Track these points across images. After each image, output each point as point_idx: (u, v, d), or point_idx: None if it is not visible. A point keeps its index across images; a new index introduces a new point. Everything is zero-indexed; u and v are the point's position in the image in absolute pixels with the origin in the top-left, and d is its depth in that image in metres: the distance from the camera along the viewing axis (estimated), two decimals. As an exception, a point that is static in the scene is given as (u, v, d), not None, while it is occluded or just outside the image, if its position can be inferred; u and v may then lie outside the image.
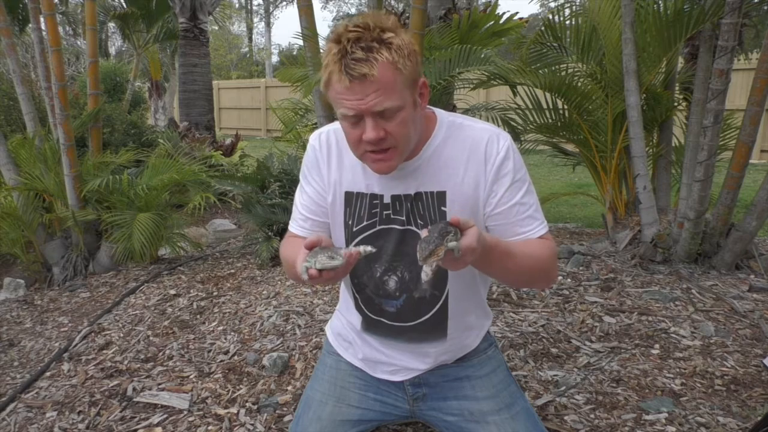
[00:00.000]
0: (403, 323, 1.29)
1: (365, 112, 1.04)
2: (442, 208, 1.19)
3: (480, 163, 1.17)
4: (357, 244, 1.24)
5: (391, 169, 1.12)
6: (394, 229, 1.22)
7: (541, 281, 1.25)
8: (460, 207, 1.18)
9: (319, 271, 0.99)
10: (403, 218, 1.21)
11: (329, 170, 1.25)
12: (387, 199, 1.21)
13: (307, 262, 1.00)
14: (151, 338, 2.59)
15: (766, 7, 3.42)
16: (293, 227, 1.32)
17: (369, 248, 1.03)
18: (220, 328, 2.60)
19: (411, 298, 1.27)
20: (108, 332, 2.72)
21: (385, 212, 1.22)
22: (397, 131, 1.07)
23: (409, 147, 1.13)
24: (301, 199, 1.31)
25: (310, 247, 1.02)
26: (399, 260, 1.24)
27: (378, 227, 1.23)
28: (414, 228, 1.21)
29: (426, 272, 0.99)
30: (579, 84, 3.40)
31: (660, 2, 3.14)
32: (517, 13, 3.69)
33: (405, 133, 1.09)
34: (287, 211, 3.50)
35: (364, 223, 1.23)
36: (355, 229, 1.24)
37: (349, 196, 1.24)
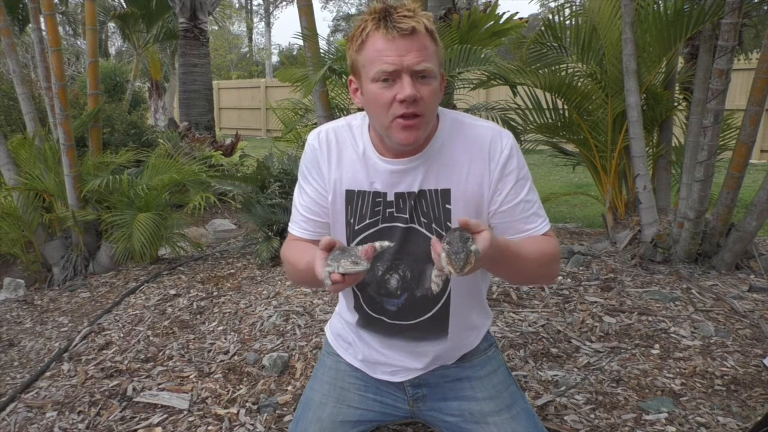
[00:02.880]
0: (403, 322, 1.29)
1: (405, 69, 1.06)
2: (447, 206, 1.19)
3: (484, 161, 1.17)
4: (359, 243, 1.24)
5: (417, 140, 1.11)
6: (397, 227, 1.22)
7: (545, 278, 1.25)
8: (464, 205, 1.18)
9: (342, 275, 0.97)
10: (407, 216, 1.21)
11: (329, 169, 1.24)
12: (390, 197, 1.21)
13: (329, 267, 0.98)
14: (151, 338, 2.59)
15: (766, 7, 3.42)
16: (294, 230, 1.31)
17: (386, 243, 1.03)
18: (220, 328, 2.60)
19: (412, 297, 1.26)
20: (108, 332, 2.72)
21: (388, 210, 1.21)
22: (428, 98, 1.08)
23: (431, 126, 1.14)
24: (300, 200, 1.29)
25: (328, 250, 1.01)
26: (401, 259, 1.24)
27: (380, 225, 1.22)
28: (417, 226, 1.21)
29: (437, 283, 1.00)
30: (579, 84, 3.40)
31: (660, 2, 3.14)
32: (517, 13, 3.68)
33: (433, 106, 1.11)
34: (287, 211, 3.50)
35: (367, 221, 1.23)
36: (357, 228, 1.24)
37: (350, 194, 1.23)
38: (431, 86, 1.08)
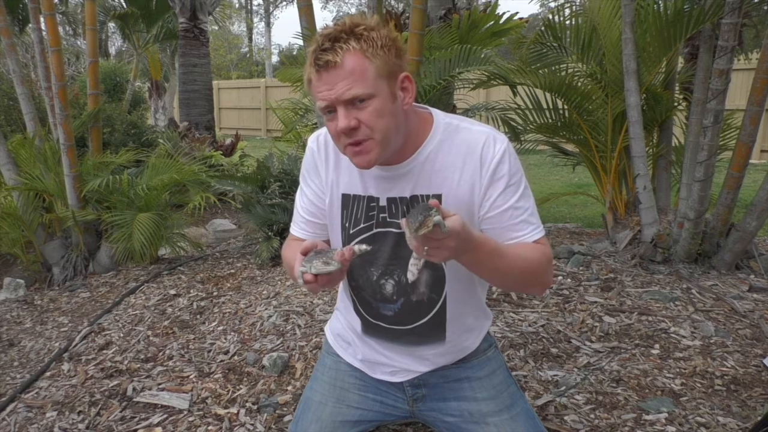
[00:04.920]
0: (401, 326, 1.29)
1: (335, 101, 1.05)
2: None
3: (476, 167, 1.16)
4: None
5: (370, 163, 1.10)
6: (391, 233, 1.22)
7: (534, 285, 1.21)
8: (456, 210, 1.16)
9: (314, 276, 1.00)
10: (399, 221, 1.21)
11: (327, 172, 1.25)
12: (383, 202, 1.21)
13: (303, 267, 1.01)
14: (151, 338, 2.59)
15: (766, 7, 3.41)
16: (294, 230, 1.33)
17: (364, 247, 1.02)
18: (220, 328, 2.61)
19: (409, 302, 1.26)
20: (108, 332, 2.72)
21: (381, 215, 1.21)
22: (370, 121, 1.06)
23: (390, 141, 1.10)
24: (301, 201, 1.31)
25: (305, 253, 1.03)
26: (395, 264, 1.24)
27: (375, 230, 1.22)
28: None
29: (412, 272, 0.98)
30: (579, 84, 3.40)
31: (660, 2, 3.14)
32: (517, 13, 3.69)
33: (380, 124, 1.07)
34: (287, 211, 3.50)
35: (361, 225, 1.23)
36: (351, 232, 1.24)
37: (346, 198, 1.24)
38: (371, 107, 1.06)
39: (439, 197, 1.18)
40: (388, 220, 1.21)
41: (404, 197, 1.19)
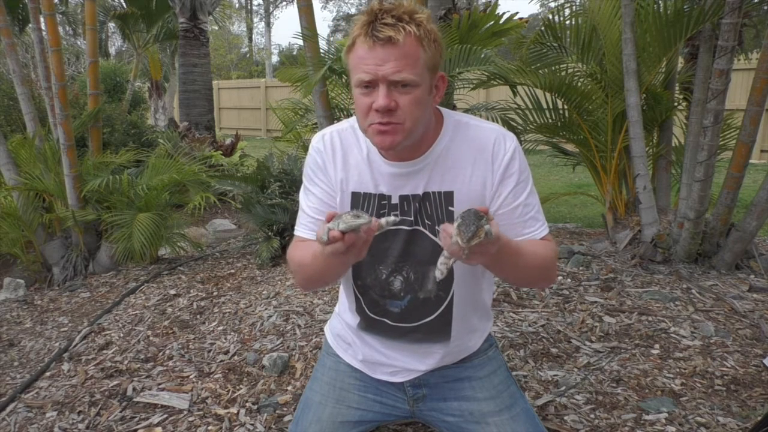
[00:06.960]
0: (406, 324, 1.29)
1: (381, 78, 1.05)
2: (450, 208, 1.19)
3: (487, 163, 1.18)
4: None
5: (393, 144, 1.10)
6: (402, 230, 1.22)
7: (544, 281, 1.26)
8: (467, 206, 1.17)
9: (342, 234, 0.94)
10: (411, 218, 1.21)
11: (335, 170, 1.24)
12: (395, 200, 1.21)
13: (330, 225, 0.95)
14: (151, 338, 2.59)
15: (766, 7, 3.41)
16: (301, 231, 1.28)
17: (392, 218, 1.02)
18: (220, 328, 2.61)
19: (416, 299, 1.26)
20: (108, 332, 2.72)
21: (392, 213, 1.22)
22: (408, 107, 1.07)
23: (416, 131, 1.11)
24: (307, 201, 1.28)
25: (330, 220, 0.99)
26: (405, 261, 1.24)
27: (386, 228, 1.22)
28: (421, 228, 1.21)
29: (441, 270, 0.97)
30: (579, 84, 3.40)
31: (660, 2, 3.14)
32: (517, 13, 3.68)
33: (415, 113, 1.08)
34: (287, 211, 3.50)
35: None
36: None
37: (356, 196, 1.23)
38: (412, 95, 1.06)
39: (450, 194, 1.19)
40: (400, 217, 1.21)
41: (417, 194, 1.20)
